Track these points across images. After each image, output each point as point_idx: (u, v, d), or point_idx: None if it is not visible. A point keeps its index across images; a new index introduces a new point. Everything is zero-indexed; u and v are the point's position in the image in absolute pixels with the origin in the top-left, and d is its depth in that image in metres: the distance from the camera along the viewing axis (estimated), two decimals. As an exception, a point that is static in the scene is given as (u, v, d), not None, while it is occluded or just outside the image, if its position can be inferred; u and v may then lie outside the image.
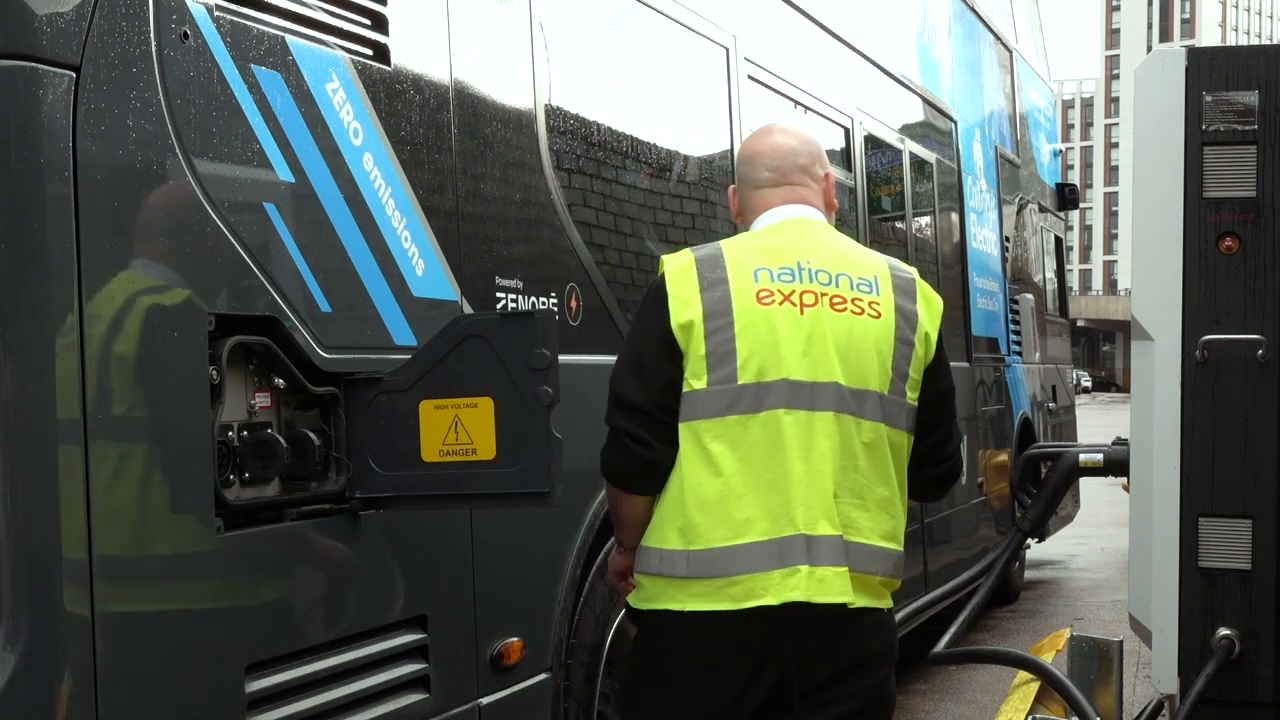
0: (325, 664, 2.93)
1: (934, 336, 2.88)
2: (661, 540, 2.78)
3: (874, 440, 2.78)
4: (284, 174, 2.85)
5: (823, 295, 2.78)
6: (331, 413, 2.97)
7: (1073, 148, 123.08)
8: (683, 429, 2.74)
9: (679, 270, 2.80)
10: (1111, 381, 79.49)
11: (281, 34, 2.86)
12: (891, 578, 2.84)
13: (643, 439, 2.75)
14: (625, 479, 2.84)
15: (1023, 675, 4.64)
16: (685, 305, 2.74)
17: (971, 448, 7.94)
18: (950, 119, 8.19)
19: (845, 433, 2.75)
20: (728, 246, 2.86)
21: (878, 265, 2.88)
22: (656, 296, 2.79)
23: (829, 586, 2.70)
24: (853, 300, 2.79)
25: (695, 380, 2.73)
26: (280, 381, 2.86)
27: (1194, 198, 3.59)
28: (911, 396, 2.83)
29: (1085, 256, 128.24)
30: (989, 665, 7.52)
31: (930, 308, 2.89)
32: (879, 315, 2.80)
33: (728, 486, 2.71)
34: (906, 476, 2.88)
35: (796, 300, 2.76)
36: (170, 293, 2.57)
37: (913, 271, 2.95)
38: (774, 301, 2.75)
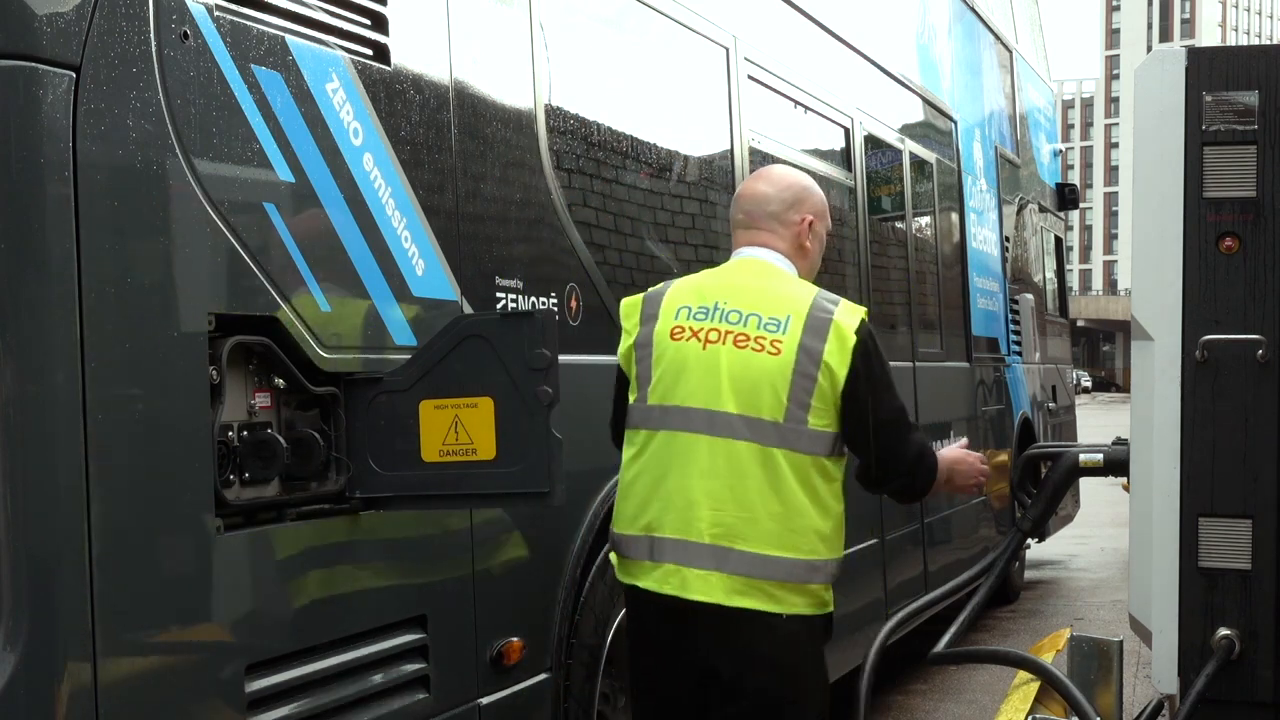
0: (325, 664, 2.93)
1: (841, 372, 3.14)
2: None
3: (766, 462, 3.12)
4: (284, 174, 2.85)
5: (728, 334, 3.18)
6: (331, 413, 2.97)
7: (1073, 148, 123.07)
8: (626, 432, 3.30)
9: (628, 305, 3.34)
10: (1111, 381, 79.49)
11: (281, 34, 2.86)
12: (790, 583, 3.14)
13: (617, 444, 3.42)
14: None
15: (1023, 675, 4.63)
16: (627, 335, 3.30)
17: (972, 448, 7.92)
18: (950, 119, 8.19)
19: (734, 454, 3.13)
20: (675, 284, 3.36)
21: (795, 306, 3.19)
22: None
23: (691, 585, 3.12)
24: (755, 339, 3.16)
25: (631, 395, 3.28)
26: (280, 381, 2.86)
27: (1194, 198, 3.58)
28: (818, 423, 3.14)
29: (1085, 256, 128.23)
30: (989, 665, 7.51)
31: (842, 345, 3.14)
32: (778, 352, 3.14)
33: (630, 486, 3.24)
34: (832, 491, 3.20)
35: (702, 337, 3.19)
36: (170, 293, 2.57)
37: (834, 310, 3.20)
38: (684, 338, 3.21)
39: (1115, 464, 3.79)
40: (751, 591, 3.12)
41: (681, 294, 3.30)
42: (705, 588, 3.11)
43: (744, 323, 3.19)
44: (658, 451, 3.20)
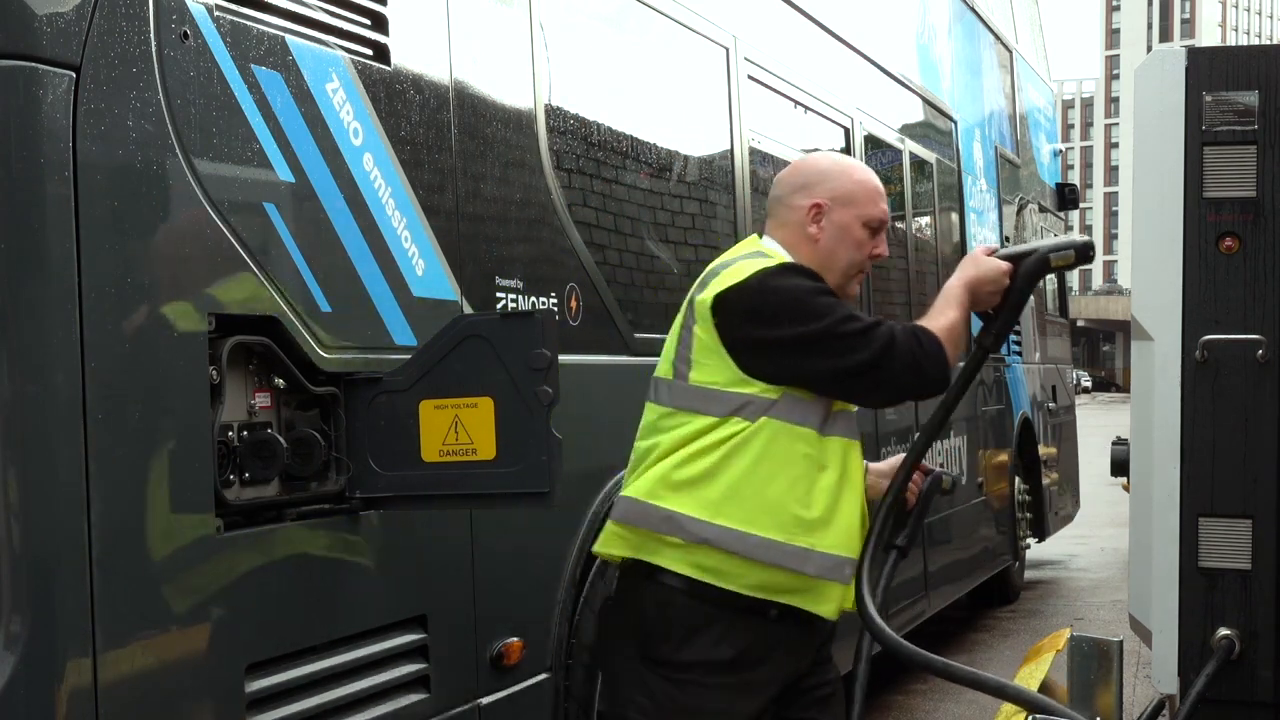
0: (325, 664, 2.93)
1: (710, 317, 2.91)
2: None
3: (656, 420, 2.99)
4: (284, 174, 2.85)
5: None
6: (331, 413, 2.97)
7: (1073, 148, 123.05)
8: None
9: None
10: (1111, 381, 79.46)
11: (281, 34, 2.86)
12: (625, 524, 2.98)
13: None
14: None
15: (1022, 676, 4.64)
16: None
17: (971, 448, 7.94)
18: (950, 119, 8.19)
19: (648, 415, 3.03)
20: None
21: (714, 266, 3.04)
22: None
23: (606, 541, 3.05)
24: (690, 303, 3.00)
25: None
26: (280, 381, 2.86)
27: (1194, 198, 3.58)
28: (700, 378, 2.92)
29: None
30: (989, 667, 7.52)
31: (718, 288, 2.92)
32: (680, 309, 3.03)
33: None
34: (694, 450, 2.91)
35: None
36: (170, 293, 2.57)
37: (732, 258, 3.02)
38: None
39: (1085, 255, 3.46)
40: (614, 539, 3.03)
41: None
42: (605, 538, 3.06)
43: (701, 286, 3.02)
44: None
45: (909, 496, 3.22)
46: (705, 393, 2.93)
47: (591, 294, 4.00)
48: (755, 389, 2.90)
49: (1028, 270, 3.13)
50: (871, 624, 2.98)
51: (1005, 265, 3.05)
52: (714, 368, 2.92)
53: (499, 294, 3.55)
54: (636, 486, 2.98)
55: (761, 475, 2.88)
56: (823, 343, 2.87)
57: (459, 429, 2.91)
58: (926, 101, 7.82)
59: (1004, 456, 8.82)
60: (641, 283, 4.38)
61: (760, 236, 3.15)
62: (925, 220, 7.76)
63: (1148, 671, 4.23)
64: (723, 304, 2.91)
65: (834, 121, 6.30)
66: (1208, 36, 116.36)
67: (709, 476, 2.89)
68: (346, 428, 2.98)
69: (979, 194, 8.68)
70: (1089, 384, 70.03)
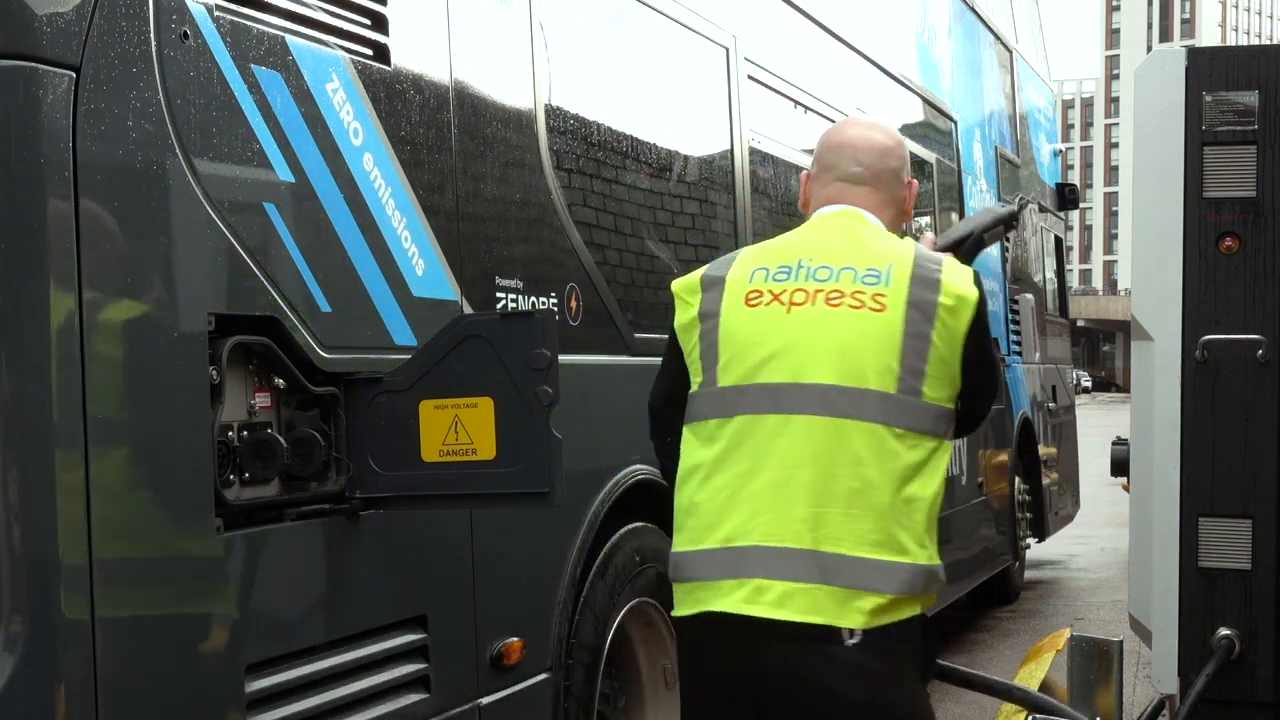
0: (325, 664, 2.92)
1: (960, 330, 2.59)
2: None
3: (872, 443, 2.53)
4: (284, 174, 2.85)
5: (817, 292, 2.60)
6: (331, 413, 2.97)
7: (1073, 148, 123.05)
8: (684, 430, 2.72)
9: (685, 280, 2.79)
10: (1111, 381, 79.46)
11: (281, 34, 2.86)
12: (887, 594, 2.51)
13: (654, 437, 2.89)
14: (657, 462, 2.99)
15: (1022, 677, 4.64)
16: (686, 306, 2.74)
17: (971, 448, 7.94)
18: (950, 119, 8.19)
19: (830, 437, 2.53)
20: (745, 249, 2.81)
21: (898, 255, 2.64)
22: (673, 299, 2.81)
23: (793, 602, 2.49)
24: (852, 294, 2.58)
25: (694, 379, 2.71)
26: (280, 381, 2.86)
27: (1194, 198, 3.59)
28: (931, 395, 2.57)
29: (1085, 256, 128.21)
30: (989, 667, 7.51)
31: (961, 301, 2.60)
32: (882, 309, 2.56)
33: (700, 492, 2.62)
34: (926, 484, 2.60)
35: (786, 299, 2.61)
36: (170, 293, 2.57)
37: (942, 262, 2.66)
38: (761, 303, 2.63)
39: (1010, 225, 3.44)
40: (840, 605, 2.50)
41: (756, 257, 2.73)
42: (810, 605, 2.49)
43: (835, 278, 2.60)
44: (736, 444, 2.59)
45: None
46: (939, 412, 2.60)
47: (591, 294, 4.00)
48: (953, 405, 2.65)
49: (966, 253, 3.21)
50: None
51: (944, 256, 2.77)
52: (944, 381, 2.60)
53: (499, 294, 3.55)
54: (865, 538, 2.51)
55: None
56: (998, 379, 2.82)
57: (459, 429, 2.91)
58: (926, 101, 7.82)
59: (1004, 456, 8.82)
60: (641, 283, 4.38)
61: (859, 211, 2.76)
62: (925, 220, 7.75)
63: (1148, 671, 4.23)
64: (977, 313, 2.62)
65: (834, 121, 6.29)
66: (1208, 36, 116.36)
67: (934, 508, 2.63)
68: (346, 428, 2.98)
69: (979, 194, 8.68)
70: (1089, 384, 70.04)
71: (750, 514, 2.55)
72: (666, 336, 2.81)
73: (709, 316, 2.68)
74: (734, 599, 2.53)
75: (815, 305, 2.59)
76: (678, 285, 2.78)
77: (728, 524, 2.56)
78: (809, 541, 2.51)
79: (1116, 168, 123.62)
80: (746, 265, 2.70)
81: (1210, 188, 3.58)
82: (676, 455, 2.72)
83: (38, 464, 2.34)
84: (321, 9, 2.99)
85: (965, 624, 8.68)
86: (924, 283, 2.59)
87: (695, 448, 2.66)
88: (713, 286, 2.70)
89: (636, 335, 4.20)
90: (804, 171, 2.92)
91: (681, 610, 2.64)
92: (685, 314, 2.73)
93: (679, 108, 4.79)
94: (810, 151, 6.03)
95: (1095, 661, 4.24)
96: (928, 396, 2.58)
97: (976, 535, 8.16)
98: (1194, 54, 3.61)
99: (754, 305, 2.63)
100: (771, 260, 2.69)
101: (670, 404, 2.78)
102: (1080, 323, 72.62)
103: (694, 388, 2.70)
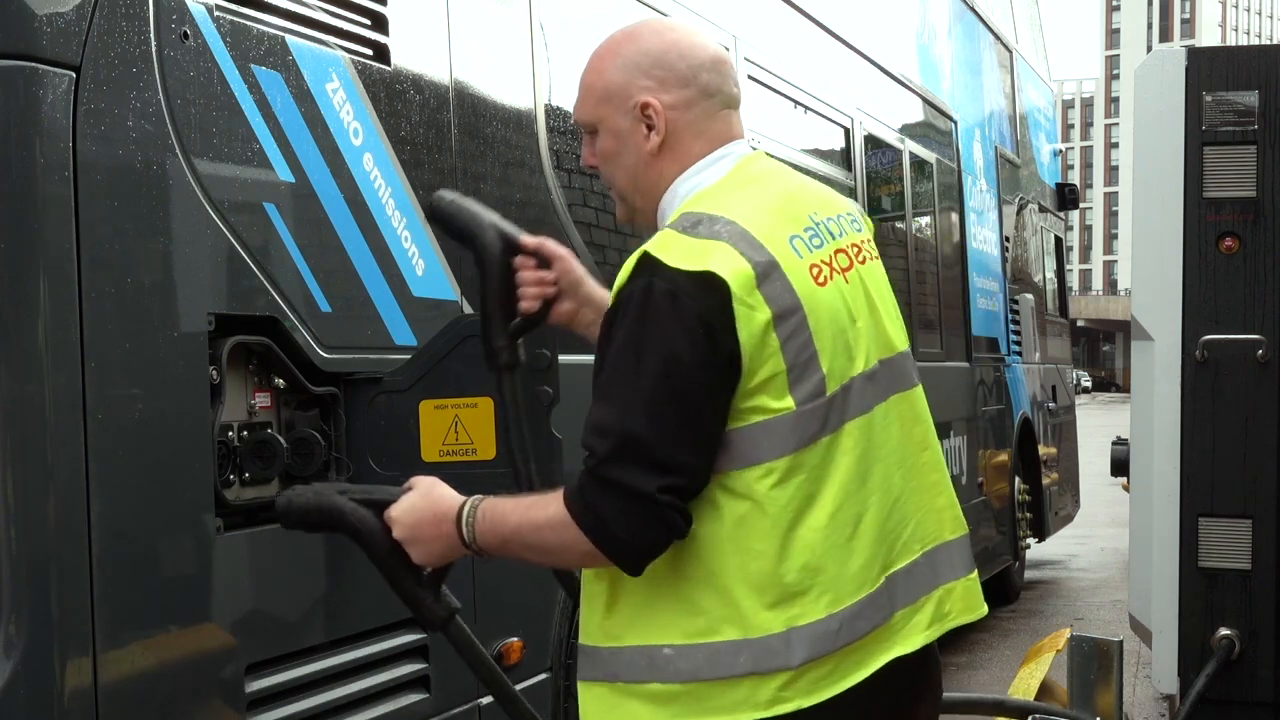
0: (325, 664, 2.93)
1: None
2: (738, 627, 2.03)
3: (923, 410, 2.22)
4: (284, 174, 2.84)
5: (843, 251, 2.16)
6: (331, 413, 2.97)
7: (1073, 148, 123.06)
8: (741, 478, 2.04)
9: (715, 260, 2.00)
10: (1111, 381, 79.47)
11: (281, 34, 2.86)
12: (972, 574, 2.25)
13: (683, 510, 2.01)
14: (643, 555, 2.04)
15: (1022, 677, 4.63)
16: (750, 313, 2.00)
17: (971, 448, 7.94)
18: (950, 119, 8.19)
19: (918, 407, 2.21)
20: (736, 216, 2.07)
21: (841, 195, 2.33)
22: (698, 307, 1.98)
23: (953, 607, 2.21)
24: (864, 244, 2.21)
25: (775, 402, 2.02)
26: (280, 381, 2.86)
27: (1194, 198, 3.59)
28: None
29: (1085, 256, 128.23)
30: (989, 667, 7.52)
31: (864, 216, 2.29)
32: (877, 256, 2.24)
33: (827, 541, 2.05)
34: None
35: (837, 267, 2.13)
36: (170, 293, 2.57)
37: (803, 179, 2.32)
38: (825, 277, 2.10)
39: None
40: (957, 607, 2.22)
41: (770, 223, 2.09)
42: (968, 602, 2.22)
43: (843, 230, 2.18)
44: (856, 457, 2.09)
45: None
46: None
47: (591, 294, 4.00)
48: None
49: None
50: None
51: None
52: None
53: (499, 294, 3.55)
54: (959, 521, 2.24)
55: None
56: None
57: (459, 429, 2.91)
58: (926, 101, 7.82)
59: (1004, 456, 8.82)
60: (641, 283, 4.38)
61: (744, 142, 2.30)
62: (925, 220, 7.76)
63: (1148, 671, 4.23)
64: None
65: (834, 121, 6.30)
66: (1208, 36, 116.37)
67: None
68: (346, 428, 2.98)
69: (979, 194, 8.68)
70: (1089, 384, 70.05)
71: (899, 523, 2.13)
72: (668, 369, 1.99)
73: (789, 314, 2.03)
74: (919, 626, 2.14)
75: (855, 267, 2.16)
76: (736, 285, 1.98)
77: (879, 552, 2.10)
78: (961, 528, 2.23)
79: (1116, 168, 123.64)
80: (775, 236, 2.07)
81: (1210, 188, 3.58)
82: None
83: (37, 464, 2.34)
84: (321, 9, 2.99)
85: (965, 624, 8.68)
86: (847, 217, 2.24)
87: (791, 486, 2.04)
88: (770, 274, 2.02)
89: (636, 335, 4.19)
90: (641, 98, 2.22)
91: (834, 687, 2.05)
92: (753, 322, 1.99)
93: (679, 108, 4.78)
94: (810, 151, 6.04)
95: (1095, 661, 4.23)
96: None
97: (976, 535, 8.16)
98: (1194, 54, 3.61)
99: (823, 283, 2.09)
100: (790, 224, 2.11)
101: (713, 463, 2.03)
102: (1080, 323, 72.63)
103: (788, 406, 2.03)
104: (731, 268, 2.00)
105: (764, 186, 2.20)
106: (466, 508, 2.16)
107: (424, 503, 2.21)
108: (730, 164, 2.21)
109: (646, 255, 2.02)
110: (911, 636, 2.13)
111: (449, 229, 2.53)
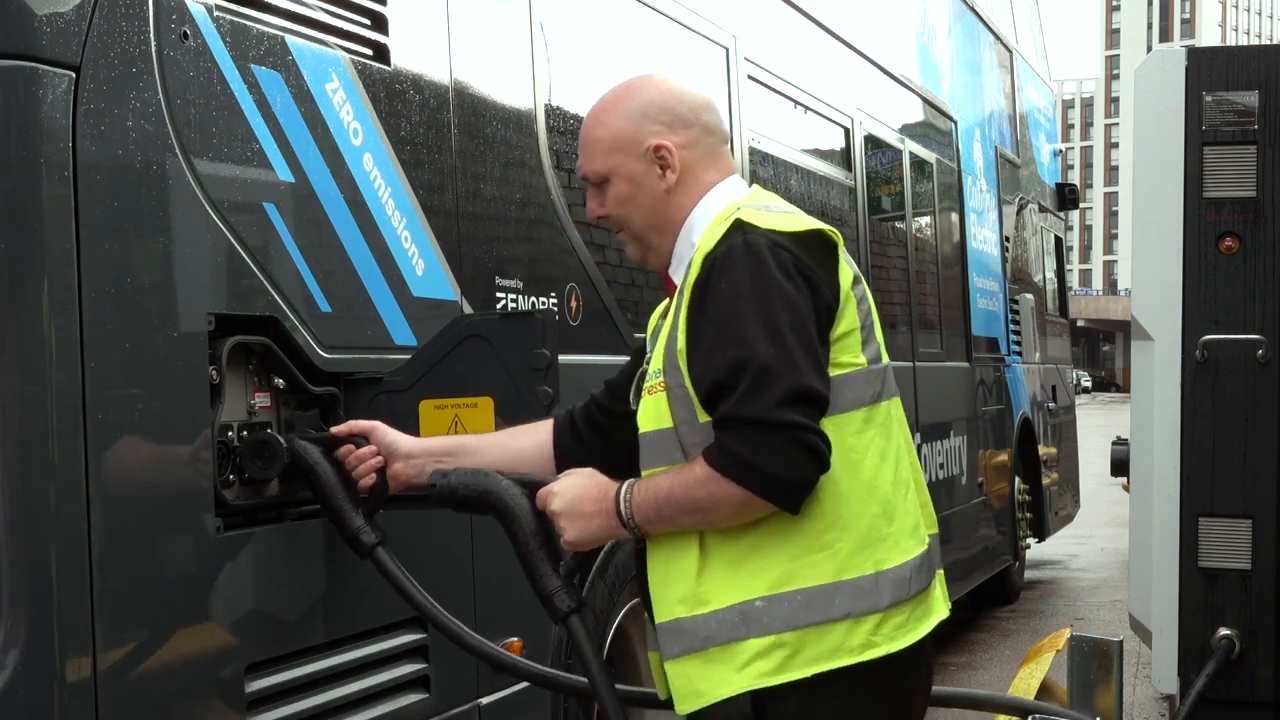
0: (325, 664, 2.93)
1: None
2: (830, 570, 2.13)
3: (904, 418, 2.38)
4: (284, 174, 2.85)
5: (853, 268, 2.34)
6: (331, 413, 2.97)
7: (1073, 148, 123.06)
8: (841, 418, 2.18)
9: (817, 223, 2.23)
10: (1111, 381, 79.47)
11: (281, 34, 2.86)
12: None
13: (826, 438, 2.12)
14: (800, 489, 2.12)
15: (1022, 677, 4.64)
16: (846, 266, 2.23)
17: (971, 448, 7.94)
18: (950, 119, 8.19)
19: (900, 417, 2.34)
20: (781, 207, 2.32)
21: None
22: (794, 259, 2.15)
23: (937, 603, 2.31)
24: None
25: (852, 357, 2.19)
26: (280, 381, 2.86)
27: (1194, 198, 3.59)
28: None
29: (1085, 256, 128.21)
30: (989, 667, 7.52)
31: None
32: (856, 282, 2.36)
33: (894, 492, 2.22)
34: None
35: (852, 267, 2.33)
36: (170, 293, 2.57)
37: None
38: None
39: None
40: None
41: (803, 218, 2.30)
42: (943, 595, 2.37)
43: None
44: (893, 433, 2.27)
45: None
46: None
47: (591, 294, 4.00)
48: None
49: None
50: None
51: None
52: None
53: (499, 294, 3.55)
54: (934, 520, 2.39)
55: None
56: None
57: (459, 429, 2.91)
58: (926, 101, 7.82)
59: (1004, 456, 8.82)
60: (641, 282, 4.38)
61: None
62: (925, 220, 7.76)
63: (1148, 671, 4.23)
64: None
65: (834, 121, 6.30)
66: (1208, 36, 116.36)
67: None
68: (346, 428, 2.98)
69: (979, 194, 8.69)
70: (1089, 384, 70.05)
71: (915, 501, 2.28)
72: (789, 305, 2.12)
73: (859, 280, 2.27)
74: (939, 600, 2.29)
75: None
76: (838, 235, 2.24)
77: (920, 517, 2.27)
78: (936, 526, 2.37)
79: (1116, 168, 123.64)
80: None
81: (1210, 188, 3.59)
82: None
83: (37, 464, 2.34)
84: (321, 9, 2.99)
85: (965, 624, 8.68)
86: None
87: (867, 436, 2.20)
88: (842, 246, 2.27)
89: (637, 335, 4.20)
90: (654, 141, 2.38)
91: (911, 634, 2.17)
92: (847, 276, 2.22)
93: (679, 108, 4.78)
94: (810, 151, 6.05)
95: (1095, 661, 4.24)
96: None
97: (976, 535, 8.16)
98: (1194, 54, 3.61)
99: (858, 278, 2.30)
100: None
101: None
102: (1080, 323, 72.63)
103: (858, 363, 2.20)
104: (828, 228, 2.22)
105: (773, 197, 2.39)
106: (624, 485, 2.27)
107: (588, 480, 2.33)
108: (746, 185, 2.42)
109: (738, 221, 2.18)
110: (937, 608, 2.28)
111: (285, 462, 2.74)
